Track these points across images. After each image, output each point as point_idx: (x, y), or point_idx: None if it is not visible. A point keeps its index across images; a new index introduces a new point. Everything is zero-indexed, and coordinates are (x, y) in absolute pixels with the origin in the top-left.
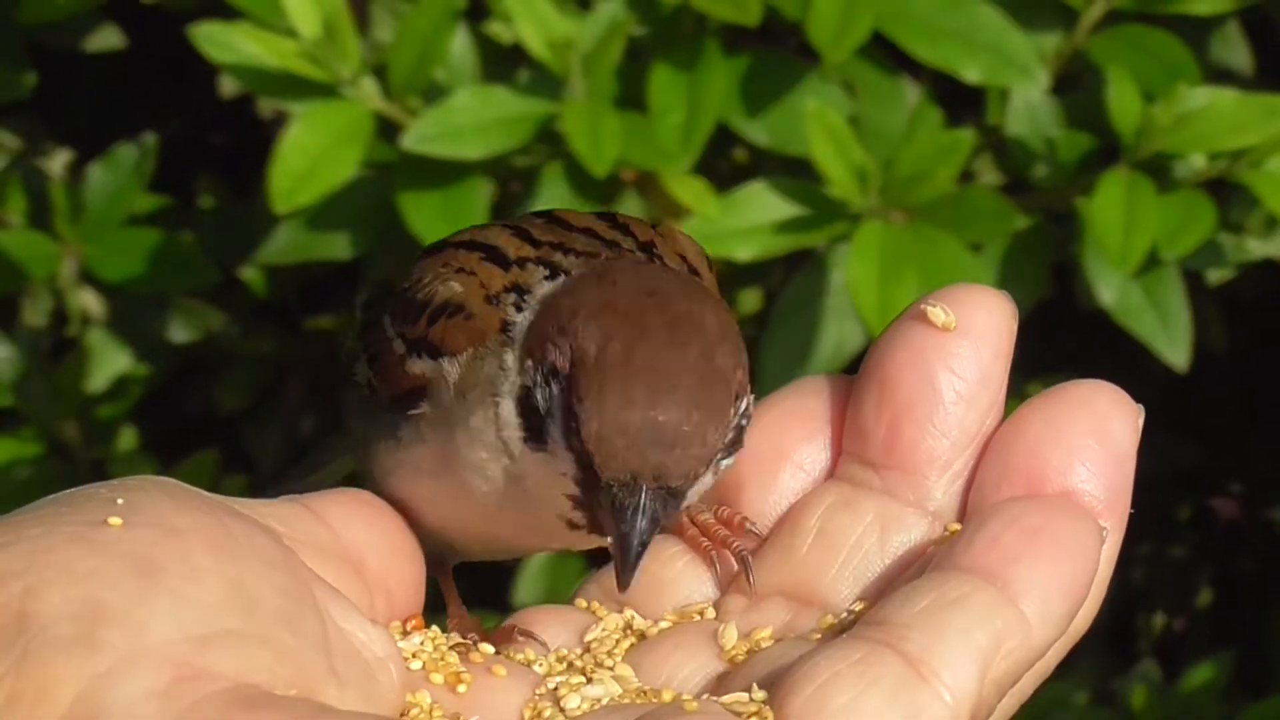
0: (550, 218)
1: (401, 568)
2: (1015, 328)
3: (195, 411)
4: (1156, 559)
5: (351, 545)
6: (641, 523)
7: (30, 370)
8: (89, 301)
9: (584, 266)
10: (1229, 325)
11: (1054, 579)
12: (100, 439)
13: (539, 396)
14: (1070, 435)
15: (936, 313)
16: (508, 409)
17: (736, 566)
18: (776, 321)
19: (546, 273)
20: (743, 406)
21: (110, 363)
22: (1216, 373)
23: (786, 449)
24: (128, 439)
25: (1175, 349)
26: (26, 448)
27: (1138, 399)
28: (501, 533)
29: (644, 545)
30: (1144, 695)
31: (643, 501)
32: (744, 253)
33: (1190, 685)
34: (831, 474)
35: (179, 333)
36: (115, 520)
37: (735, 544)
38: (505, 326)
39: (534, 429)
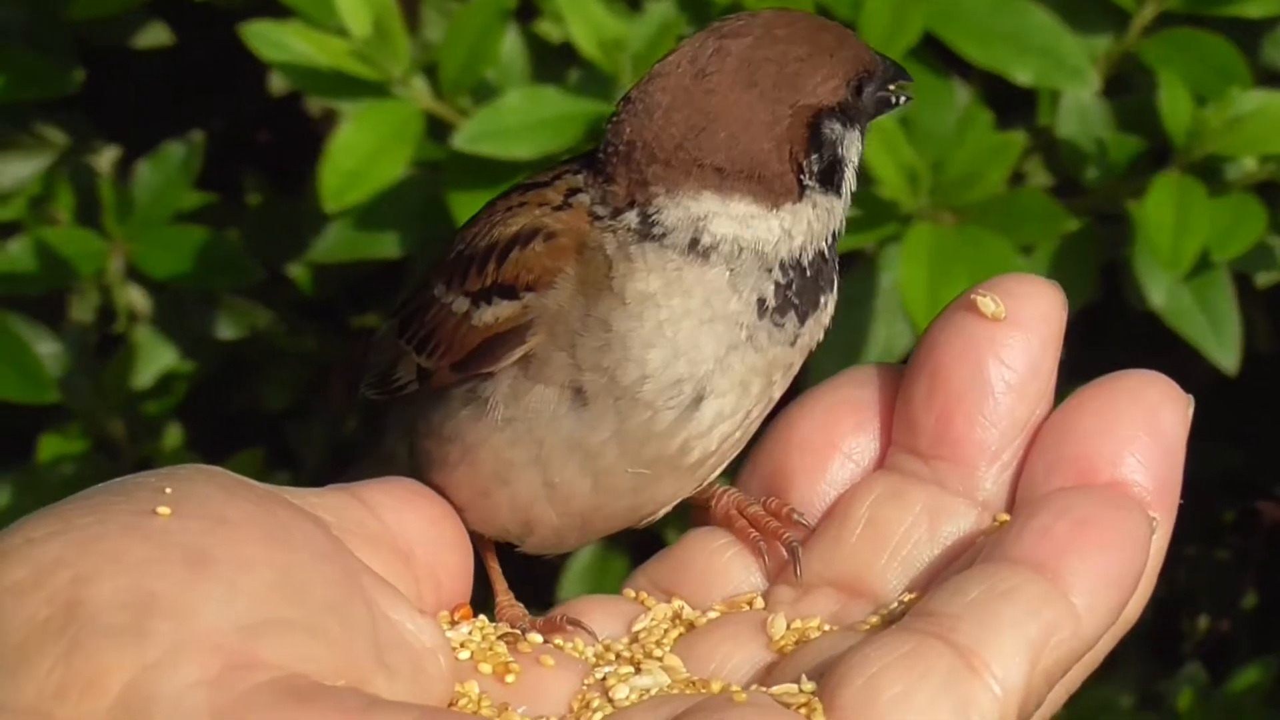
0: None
1: (450, 557)
2: (1065, 317)
3: (240, 409)
4: (1201, 561)
5: (400, 535)
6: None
7: (77, 366)
8: (135, 298)
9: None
10: (1274, 327)
11: (1104, 570)
12: (146, 435)
13: (833, 134)
14: (1121, 426)
15: (986, 303)
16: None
17: (786, 557)
18: None
19: (576, 167)
20: None
21: (156, 359)
22: (1262, 375)
23: (835, 439)
24: (173, 436)
25: (1225, 352)
26: (72, 444)
27: None
28: (621, 478)
29: None
30: (1189, 698)
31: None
32: None
33: (1236, 688)
34: (880, 464)
35: (225, 330)
36: (164, 509)
37: (785, 534)
38: (595, 218)
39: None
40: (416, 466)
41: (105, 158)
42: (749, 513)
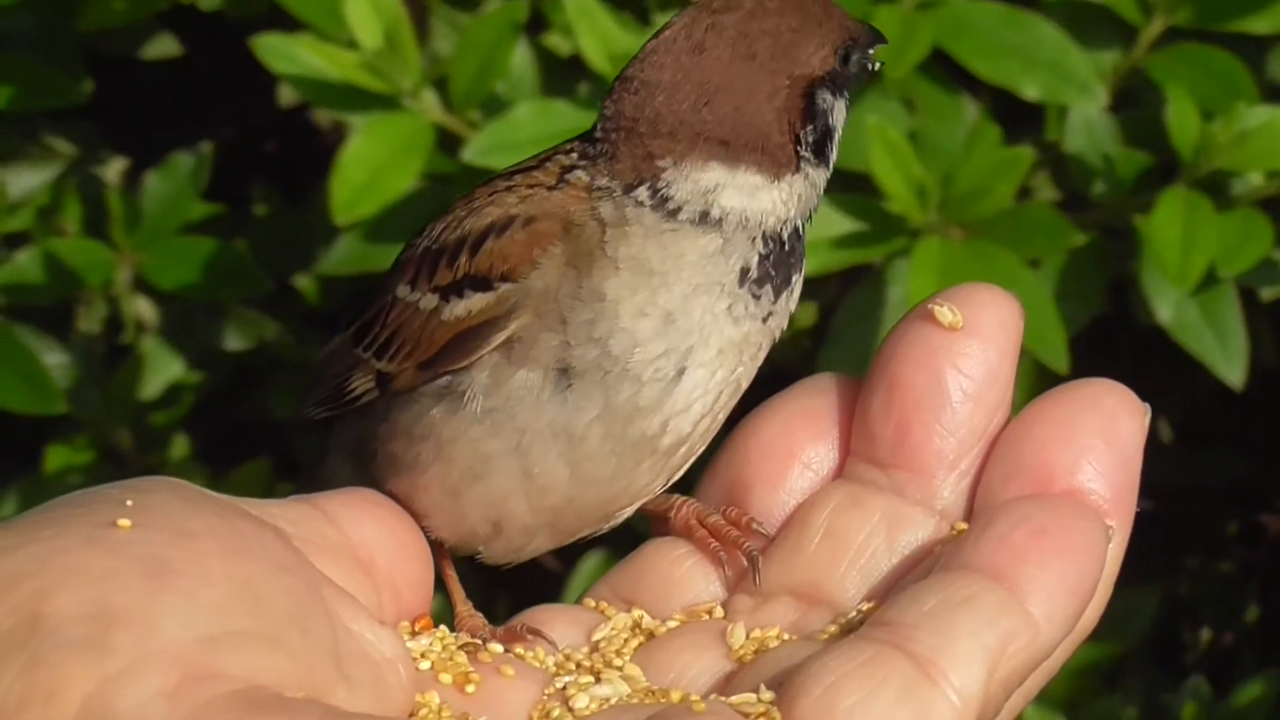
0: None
1: (410, 567)
2: (1022, 326)
3: (247, 419)
4: (1204, 573)
5: (361, 545)
6: None
7: (84, 377)
8: (143, 309)
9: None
10: (1279, 340)
11: (1061, 579)
12: (153, 446)
13: (825, 105)
14: (1077, 434)
15: (944, 312)
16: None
17: (745, 565)
18: (834, 336)
19: (568, 148)
20: None
21: (163, 370)
22: (1267, 387)
23: (795, 448)
24: (180, 446)
25: (1231, 366)
26: (79, 455)
27: (1188, 412)
28: (600, 465)
29: None
30: (1193, 711)
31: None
32: None
33: (1240, 701)
34: (839, 473)
35: (233, 341)
36: (124, 521)
37: (744, 543)
38: (595, 191)
39: (820, 143)
40: (374, 478)
41: (113, 168)
42: (709, 522)
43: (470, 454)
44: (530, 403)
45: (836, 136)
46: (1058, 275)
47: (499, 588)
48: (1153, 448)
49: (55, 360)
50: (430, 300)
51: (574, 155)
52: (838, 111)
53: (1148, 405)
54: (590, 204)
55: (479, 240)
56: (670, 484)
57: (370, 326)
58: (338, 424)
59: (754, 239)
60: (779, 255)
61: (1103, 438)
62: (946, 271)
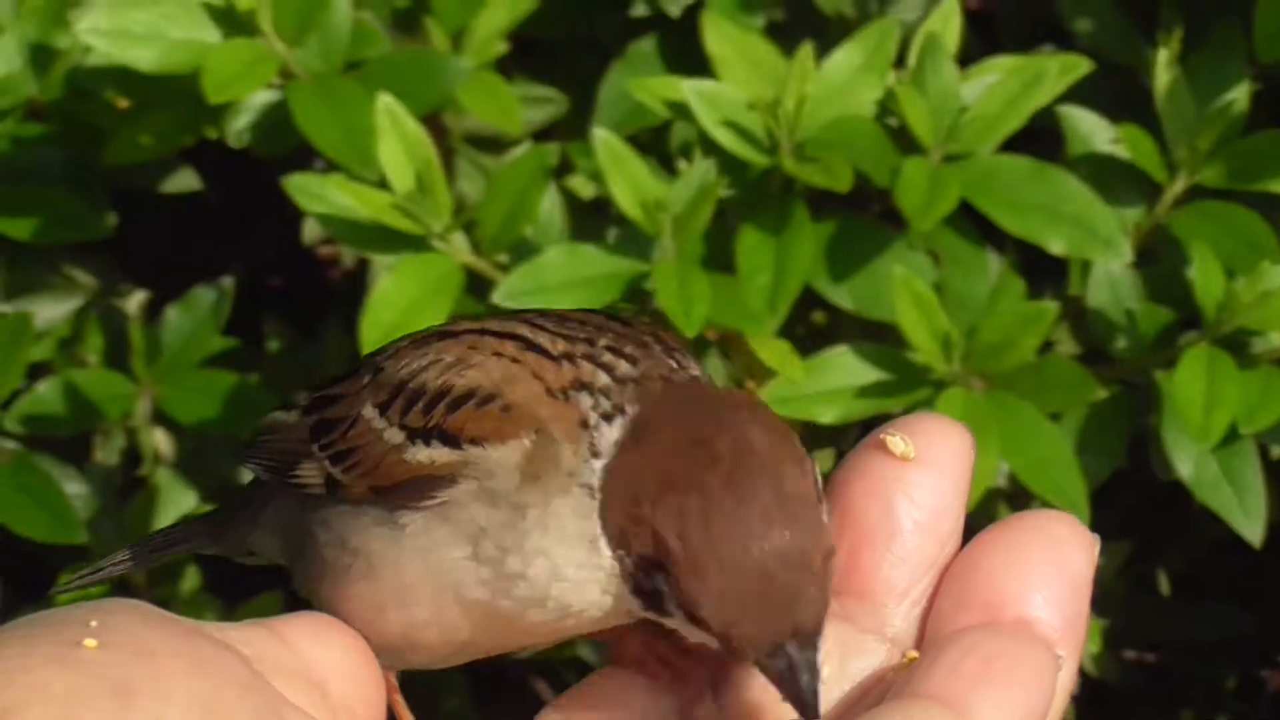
0: (540, 313)
1: (364, 689)
2: (974, 457)
3: None
4: None
5: (315, 668)
6: (805, 679)
7: (102, 508)
8: (161, 441)
9: (635, 400)
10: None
11: (1010, 706)
12: (164, 579)
13: (643, 580)
14: (1027, 564)
15: (895, 442)
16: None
17: (701, 691)
18: None
19: (606, 379)
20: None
21: (177, 502)
22: (1268, 541)
23: None
24: (191, 579)
25: (1250, 523)
26: (92, 587)
27: (1187, 564)
28: (514, 629)
29: (816, 693)
30: None
31: (796, 659)
32: (826, 416)
33: None
34: None
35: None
36: (90, 642)
37: (698, 671)
38: (586, 423)
39: (646, 594)
40: (306, 570)
41: (133, 300)
42: (658, 651)
43: (396, 581)
44: (451, 559)
45: None
46: (1079, 429)
47: (484, 704)
48: (1151, 600)
49: (73, 490)
50: (396, 435)
51: (597, 390)
52: None
53: (1096, 536)
54: (570, 431)
55: (457, 402)
56: None
57: (331, 429)
58: (277, 495)
59: None
60: None
61: (1052, 566)
62: (969, 423)
